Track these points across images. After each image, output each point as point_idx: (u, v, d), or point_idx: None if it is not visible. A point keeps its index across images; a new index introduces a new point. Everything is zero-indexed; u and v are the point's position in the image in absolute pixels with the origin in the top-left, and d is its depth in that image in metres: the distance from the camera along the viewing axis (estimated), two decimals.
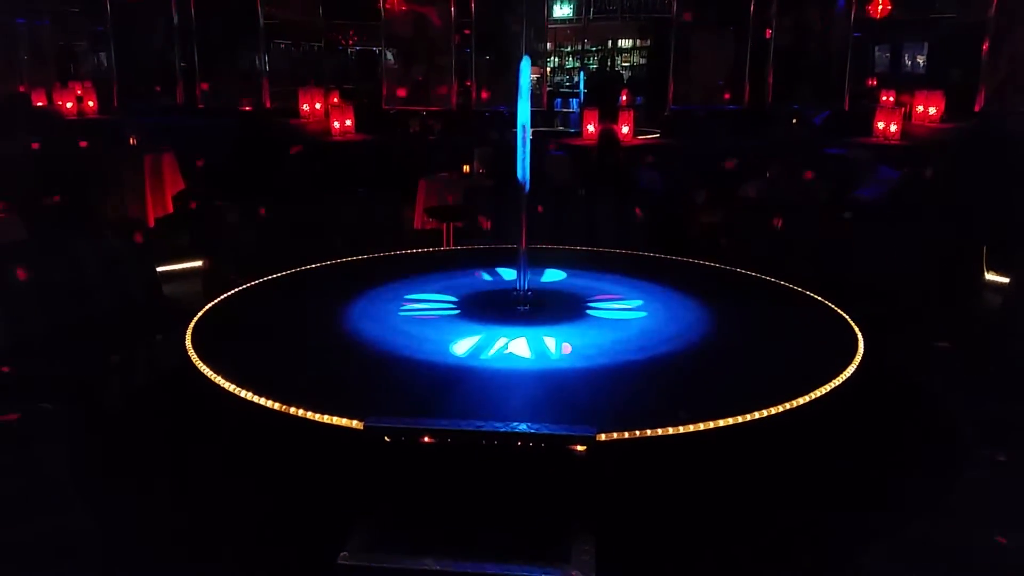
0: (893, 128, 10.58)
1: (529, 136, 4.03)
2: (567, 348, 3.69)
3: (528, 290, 4.23)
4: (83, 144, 9.11)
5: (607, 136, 8.68)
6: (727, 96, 13.62)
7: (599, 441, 2.81)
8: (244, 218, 5.83)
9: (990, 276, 5.33)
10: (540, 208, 5.93)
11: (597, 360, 3.58)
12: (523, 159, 4.04)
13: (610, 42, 16.79)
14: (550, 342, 3.76)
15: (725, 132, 11.64)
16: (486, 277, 4.96)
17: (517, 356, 3.62)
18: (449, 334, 3.90)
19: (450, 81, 13.35)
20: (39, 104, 12.84)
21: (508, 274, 4.87)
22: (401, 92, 13.77)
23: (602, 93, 13.39)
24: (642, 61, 16.50)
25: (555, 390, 3.32)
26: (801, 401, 3.16)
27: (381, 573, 2.63)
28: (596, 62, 16.18)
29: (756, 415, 3.03)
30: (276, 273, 4.93)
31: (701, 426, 2.93)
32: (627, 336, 3.95)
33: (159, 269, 5.44)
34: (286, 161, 8.74)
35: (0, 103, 12.33)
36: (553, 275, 4.95)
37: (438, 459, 2.93)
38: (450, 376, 3.43)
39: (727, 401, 3.14)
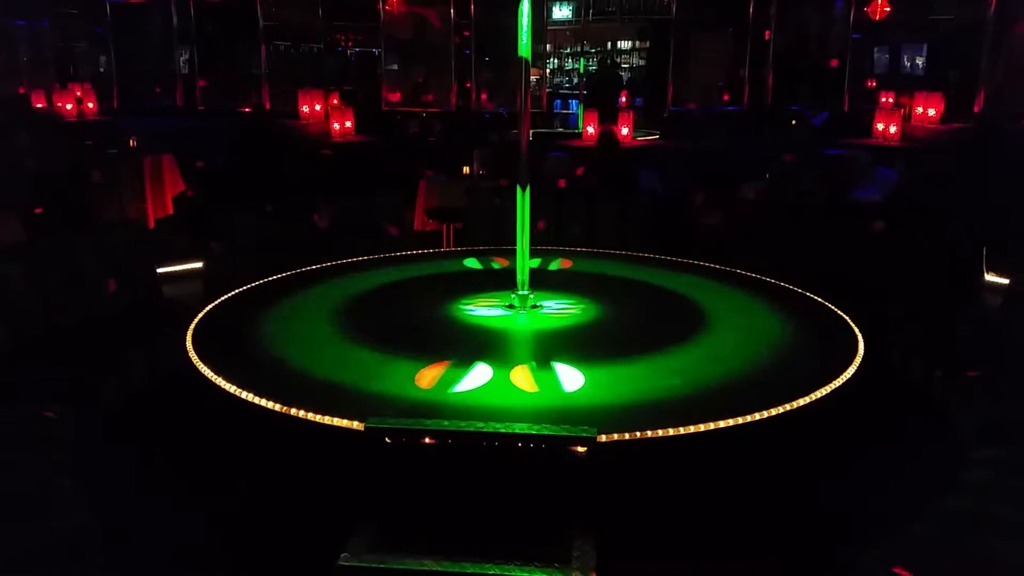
0: (892, 129, 10.59)
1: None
2: None
3: (529, 292, 4.24)
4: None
5: (607, 137, 8.70)
6: (726, 97, 13.64)
7: (599, 442, 2.82)
8: (246, 218, 5.82)
9: (990, 277, 5.34)
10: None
11: (598, 360, 3.58)
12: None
13: (609, 43, 16.79)
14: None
15: (724, 133, 11.64)
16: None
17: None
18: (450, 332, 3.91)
19: (449, 82, 13.36)
20: (39, 106, 12.84)
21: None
22: (400, 93, 13.79)
23: (601, 94, 13.40)
24: (641, 62, 16.50)
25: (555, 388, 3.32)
26: (801, 402, 3.17)
27: (382, 574, 2.63)
28: (595, 63, 16.19)
29: (756, 416, 3.03)
30: (276, 274, 4.94)
31: (701, 427, 2.93)
32: (626, 336, 3.96)
33: (159, 270, 5.43)
34: (286, 162, 8.74)
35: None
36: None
37: (439, 460, 2.94)
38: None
39: (727, 402, 3.14)
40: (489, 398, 3.22)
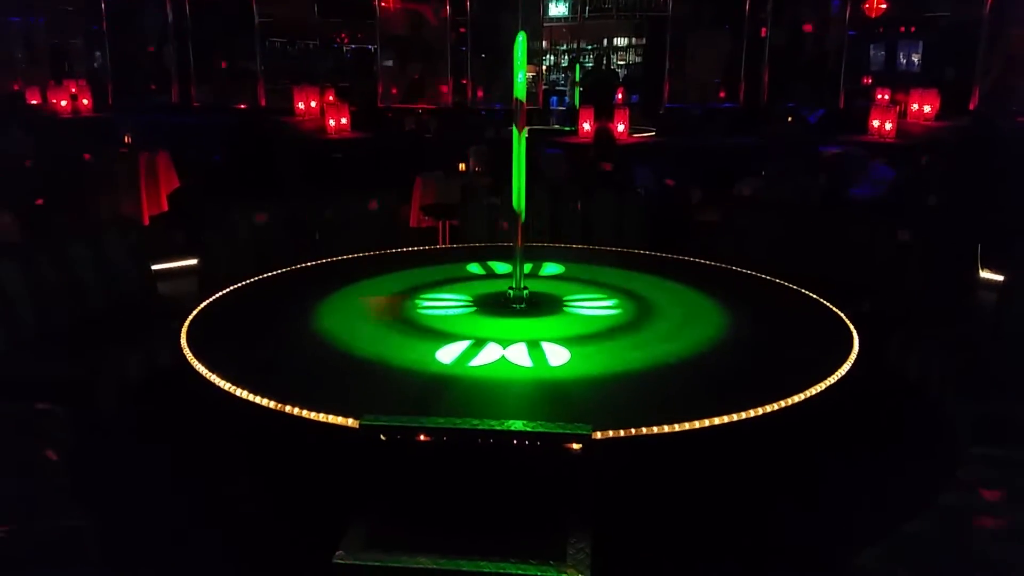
0: (888, 126, 10.59)
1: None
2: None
3: (524, 288, 4.21)
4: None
5: (603, 134, 8.69)
6: (722, 94, 13.65)
7: (595, 439, 2.81)
8: (241, 216, 5.80)
9: (985, 274, 5.34)
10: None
11: (593, 359, 3.58)
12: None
13: (606, 40, 16.79)
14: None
15: (720, 130, 11.65)
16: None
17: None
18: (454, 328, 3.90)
19: (446, 79, 13.34)
20: (33, 102, 12.80)
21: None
22: (396, 90, 13.77)
23: (597, 93, 13.39)
24: (638, 59, 16.51)
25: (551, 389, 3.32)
26: (796, 399, 3.17)
27: (376, 572, 2.63)
28: (592, 60, 16.20)
29: (751, 413, 3.03)
30: (272, 271, 4.92)
31: (696, 424, 2.93)
32: (623, 334, 3.95)
33: (154, 267, 5.42)
34: (282, 159, 8.73)
35: None
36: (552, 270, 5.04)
37: (434, 457, 2.93)
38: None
39: (722, 399, 3.14)
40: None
